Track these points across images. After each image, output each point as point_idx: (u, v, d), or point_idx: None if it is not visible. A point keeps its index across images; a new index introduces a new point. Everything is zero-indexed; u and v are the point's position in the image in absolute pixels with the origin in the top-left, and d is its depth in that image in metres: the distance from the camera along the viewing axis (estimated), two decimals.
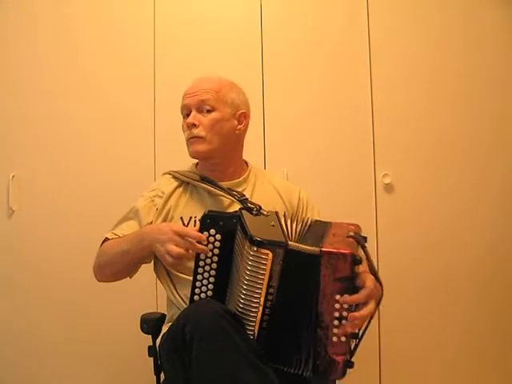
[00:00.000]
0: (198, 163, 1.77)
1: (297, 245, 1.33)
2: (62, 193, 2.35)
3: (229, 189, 1.64)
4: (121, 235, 1.62)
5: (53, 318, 2.31)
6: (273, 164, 2.33)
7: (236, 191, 1.64)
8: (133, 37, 2.40)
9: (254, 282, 1.31)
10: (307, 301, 1.33)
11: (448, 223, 2.37)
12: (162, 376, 1.62)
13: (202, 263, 1.41)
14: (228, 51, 2.39)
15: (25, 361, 2.30)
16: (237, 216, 1.41)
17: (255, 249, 1.30)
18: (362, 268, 1.35)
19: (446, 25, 2.43)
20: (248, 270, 1.31)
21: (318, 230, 1.43)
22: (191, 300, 1.42)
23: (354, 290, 1.33)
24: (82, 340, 2.32)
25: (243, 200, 1.57)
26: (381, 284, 1.38)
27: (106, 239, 1.64)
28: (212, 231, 1.40)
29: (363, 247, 1.36)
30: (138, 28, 2.40)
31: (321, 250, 1.31)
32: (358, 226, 1.47)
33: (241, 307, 1.32)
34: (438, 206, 2.37)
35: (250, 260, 1.30)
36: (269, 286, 1.31)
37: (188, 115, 1.66)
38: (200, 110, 1.65)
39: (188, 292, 1.44)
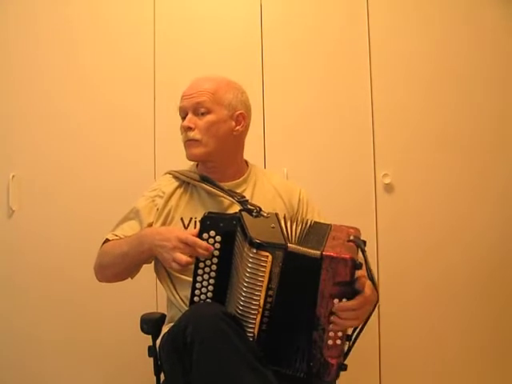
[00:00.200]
0: (198, 163, 1.77)
1: (297, 247, 1.33)
2: (62, 193, 2.34)
3: (229, 190, 1.64)
4: (122, 236, 1.62)
5: (53, 318, 2.31)
6: (273, 164, 2.33)
7: (236, 192, 1.63)
8: (133, 37, 2.40)
9: (254, 284, 1.31)
10: (306, 303, 1.33)
11: (448, 223, 2.37)
12: (162, 376, 1.62)
13: (201, 265, 1.41)
14: (228, 51, 2.39)
15: (25, 361, 2.31)
16: (237, 218, 1.40)
17: (255, 251, 1.30)
18: (361, 272, 1.35)
19: (446, 25, 2.43)
20: (248, 272, 1.30)
21: (318, 232, 1.43)
22: (191, 301, 1.42)
23: (352, 294, 1.33)
24: (82, 340, 2.32)
25: (243, 201, 1.57)
26: (377, 290, 1.38)
27: (107, 240, 1.64)
28: (212, 233, 1.40)
29: (363, 252, 1.36)
30: (138, 28, 2.39)
31: (322, 254, 1.30)
32: (357, 229, 1.47)
33: (240, 309, 1.32)
34: (439, 206, 2.37)
35: (250, 262, 1.30)
36: (268, 289, 1.31)
37: (185, 117, 1.66)
38: (196, 113, 1.64)
39: (188, 293, 1.44)
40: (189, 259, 1.41)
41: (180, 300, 1.58)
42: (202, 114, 1.63)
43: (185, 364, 1.27)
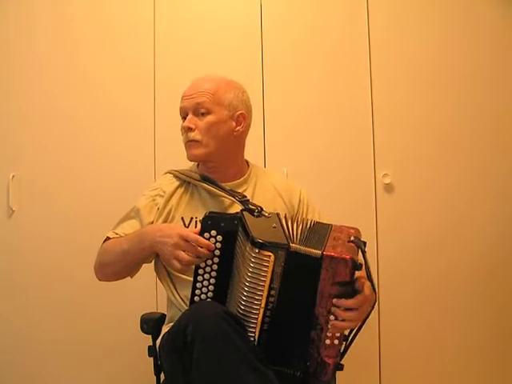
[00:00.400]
0: (199, 163, 1.76)
1: (299, 247, 1.33)
2: (62, 193, 2.34)
3: (230, 190, 1.64)
4: (122, 234, 1.62)
5: (53, 318, 2.31)
6: (273, 164, 2.32)
7: (237, 192, 1.63)
8: (133, 37, 2.39)
9: (256, 283, 1.31)
10: (306, 303, 1.33)
11: (448, 223, 2.37)
12: (162, 376, 1.62)
13: (202, 264, 1.41)
14: (228, 51, 2.39)
15: (25, 361, 2.30)
16: (238, 217, 1.41)
17: (257, 251, 1.30)
18: (360, 273, 1.36)
19: (446, 25, 2.43)
20: (250, 271, 1.31)
21: (319, 232, 1.43)
22: (191, 301, 1.41)
23: (351, 294, 1.33)
24: (82, 340, 2.32)
25: (244, 201, 1.57)
26: (375, 291, 1.39)
27: (108, 238, 1.64)
28: (213, 232, 1.40)
29: (363, 253, 1.37)
30: (138, 28, 2.39)
31: (322, 254, 1.31)
32: (357, 229, 1.48)
33: (242, 309, 1.33)
34: (438, 206, 2.37)
35: (252, 262, 1.30)
36: (270, 288, 1.32)
37: (186, 118, 1.66)
38: (196, 113, 1.64)
39: (188, 293, 1.43)
40: (190, 258, 1.40)
41: (180, 300, 1.58)
42: (203, 114, 1.63)
43: (185, 363, 1.27)
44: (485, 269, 2.37)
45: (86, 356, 2.32)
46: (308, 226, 1.45)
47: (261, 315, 1.32)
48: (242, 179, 1.72)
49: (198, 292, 1.41)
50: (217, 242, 1.40)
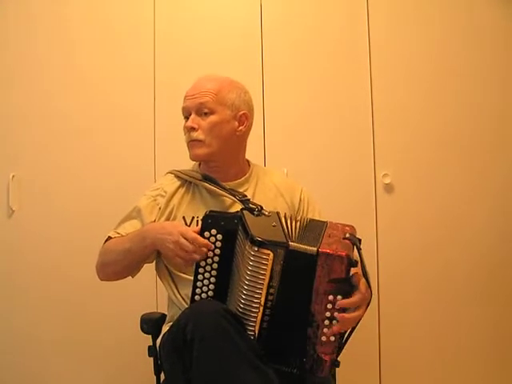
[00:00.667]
0: (200, 163, 1.77)
1: (297, 245, 1.33)
2: (62, 193, 2.34)
3: (231, 189, 1.64)
4: (124, 234, 1.62)
5: (53, 318, 2.31)
6: (273, 164, 2.32)
7: (238, 191, 1.63)
8: (133, 37, 2.40)
9: (255, 282, 1.31)
10: (302, 300, 1.34)
11: (448, 223, 2.37)
12: (162, 376, 1.62)
13: (202, 263, 1.41)
14: (228, 51, 2.39)
15: (25, 361, 2.30)
16: (238, 216, 1.41)
17: (256, 249, 1.30)
18: (355, 270, 1.36)
19: (446, 25, 2.43)
20: (249, 270, 1.31)
21: (314, 229, 1.44)
22: (192, 300, 1.42)
23: (347, 291, 1.34)
24: (82, 340, 2.32)
25: (245, 200, 1.57)
26: (370, 287, 1.39)
27: (109, 238, 1.64)
28: (213, 231, 1.40)
29: (358, 249, 1.38)
30: (138, 28, 2.39)
31: (318, 251, 1.31)
32: (353, 227, 1.48)
33: (241, 307, 1.33)
34: (438, 206, 2.37)
35: (251, 260, 1.31)
36: (269, 287, 1.32)
37: (188, 117, 1.66)
38: (199, 113, 1.64)
39: (189, 292, 1.44)
40: (190, 256, 1.41)
41: (181, 299, 1.58)
42: (205, 114, 1.63)
43: (185, 362, 1.27)
44: (484, 269, 2.37)
45: (86, 356, 2.32)
46: (304, 224, 1.46)
47: (260, 313, 1.32)
48: (243, 179, 1.72)
49: (198, 291, 1.41)
50: (217, 240, 1.41)
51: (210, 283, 1.41)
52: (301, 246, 1.34)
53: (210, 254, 1.41)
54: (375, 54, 2.39)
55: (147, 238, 1.51)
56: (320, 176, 2.36)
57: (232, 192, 1.62)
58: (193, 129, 1.63)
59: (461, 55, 2.41)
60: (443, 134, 2.39)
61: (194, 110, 1.64)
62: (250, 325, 1.32)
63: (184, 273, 1.58)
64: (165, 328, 1.62)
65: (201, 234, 1.41)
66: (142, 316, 1.72)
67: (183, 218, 1.63)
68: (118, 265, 1.59)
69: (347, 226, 1.47)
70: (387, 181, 2.35)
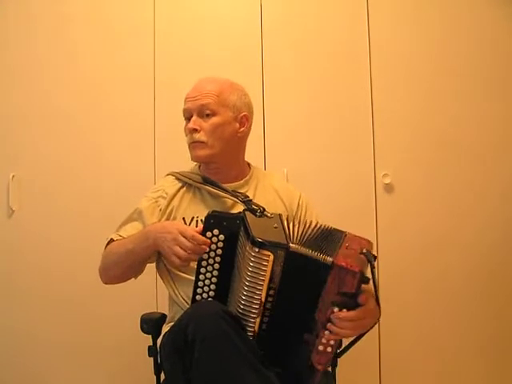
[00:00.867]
0: (200, 164, 1.76)
1: (299, 248, 1.33)
2: (62, 193, 2.34)
3: (233, 190, 1.64)
4: (125, 236, 1.62)
5: (53, 318, 2.31)
6: (273, 164, 2.33)
7: (240, 192, 1.64)
8: (133, 37, 2.39)
9: (255, 283, 1.31)
10: (305, 306, 1.33)
11: (448, 223, 2.37)
12: (162, 376, 1.62)
13: (204, 263, 1.41)
14: (228, 51, 2.39)
15: (25, 361, 2.30)
16: (240, 217, 1.41)
17: (257, 250, 1.30)
18: (366, 287, 1.35)
19: (446, 25, 2.43)
20: (249, 271, 1.31)
21: (332, 238, 1.42)
22: (193, 300, 1.42)
23: (353, 306, 1.32)
24: (82, 340, 2.32)
25: (247, 201, 1.58)
26: (379, 306, 1.38)
27: (111, 240, 1.63)
28: (215, 231, 1.40)
29: (372, 268, 1.36)
30: (138, 28, 2.39)
31: (333, 262, 1.30)
32: (370, 242, 1.47)
33: (241, 308, 1.33)
34: (438, 207, 2.37)
35: (252, 261, 1.30)
36: (269, 288, 1.32)
37: (190, 119, 1.66)
38: (201, 115, 1.64)
39: (190, 292, 1.44)
40: (188, 255, 1.40)
41: (182, 299, 1.58)
42: (207, 115, 1.63)
43: (185, 362, 1.27)
44: (485, 269, 2.37)
45: (86, 356, 2.32)
46: (321, 230, 1.45)
47: (259, 315, 1.32)
48: (243, 181, 1.72)
49: (199, 291, 1.41)
50: (219, 241, 1.40)
51: (212, 283, 1.41)
52: (304, 249, 1.32)
53: (212, 254, 1.40)
54: (375, 54, 2.39)
55: (149, 238, 1.51)
56: (320, 176, 2.36)
57: (234, 193, 1.62)
58: (195, 130, 1.63)
59: (461, 55, 2.41)
60: (443, 134, 2.39)
61: (196, 111, 1.64)
62: (249, 326, 1.32)
63: (185, 272, 1.58)
64: (165, 328, 1.62)
65: (203, 233, 1.40)
66: (142, 316, 1.72)
67: (183, 218, 1.63)
68: (121, 266, 1.59)
69: (364, 239, 1.46)
70: (387, 181, 2.35)
